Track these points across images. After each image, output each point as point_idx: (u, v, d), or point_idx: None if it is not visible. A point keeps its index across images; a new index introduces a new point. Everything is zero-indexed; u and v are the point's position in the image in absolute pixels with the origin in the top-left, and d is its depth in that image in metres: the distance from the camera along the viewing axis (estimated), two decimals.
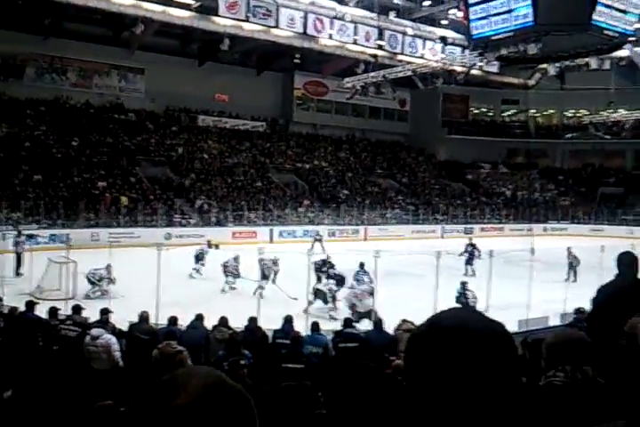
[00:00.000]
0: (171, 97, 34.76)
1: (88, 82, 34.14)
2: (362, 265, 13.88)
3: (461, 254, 18.80)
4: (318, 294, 12.98)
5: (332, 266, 14.57)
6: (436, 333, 0.95)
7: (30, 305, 8.93)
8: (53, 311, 8.80)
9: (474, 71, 30.14)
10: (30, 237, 15.37)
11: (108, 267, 13.41)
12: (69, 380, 6.51)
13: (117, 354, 7.59)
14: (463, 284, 12.87)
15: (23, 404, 6.21)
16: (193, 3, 29.06)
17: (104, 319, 8.15)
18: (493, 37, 22.74)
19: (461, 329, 0.94)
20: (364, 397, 1.58)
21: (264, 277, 14.43)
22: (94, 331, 7.77)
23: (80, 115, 32.26)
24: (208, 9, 29.24)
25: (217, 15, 29.43)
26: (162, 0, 28.24)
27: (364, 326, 10.18)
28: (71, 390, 6.24)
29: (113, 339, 7.68)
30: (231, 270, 15.34)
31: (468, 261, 18.52)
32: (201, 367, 0.90)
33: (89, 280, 13.44)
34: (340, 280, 13.84)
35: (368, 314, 11.20)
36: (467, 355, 0.91)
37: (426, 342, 0.96)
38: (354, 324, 9.27)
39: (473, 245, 19.06)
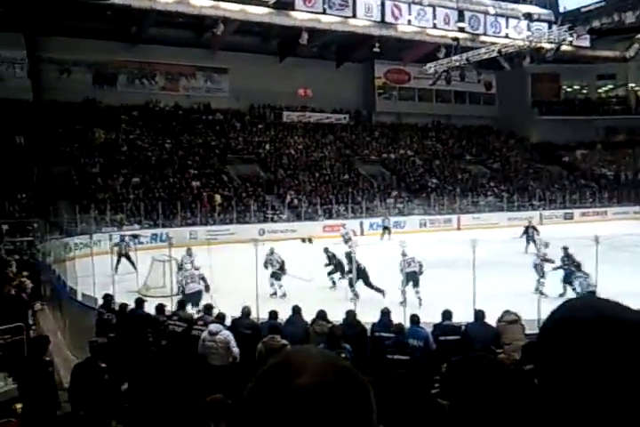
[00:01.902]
0: (254, 94, 35.43)
1: (175, 85, 35.48)
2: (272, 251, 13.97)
3: (521, 236, 19.98)
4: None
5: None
6: (572, 326, 0.86)
7: (140, 303, 9.38)
8: (160, 308, 9.20)
9: (563, 47, 28.55)
10: (135, 237, 16.20)
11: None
12: (183, 374, 6.79)
13: (236, 350, 7.74)
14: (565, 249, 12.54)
15: (139, 396, 6.54)
16: None
17: (220, 315, 8.36)
18: (583, 9, 21.51)
19: (602, 320, 0.84)
20: (496, 393, 1.48)
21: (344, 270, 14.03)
22: (213, 327, 7.93)
23: (170, 117, 33.63)
24: (285, 4, 29.54)
25: (294, 10, 29.68)
26: None
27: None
28: (182, 383, 6.51)
29: (231, 335, 7.85)
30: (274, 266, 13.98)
31: (528, 241, 19.51)
32: (309, 347, 0.88)
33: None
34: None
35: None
36: (613, 349, 0.81)
37: (561, 337, 0.87)
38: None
39: (534, 228, 20.20)
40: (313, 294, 12.84)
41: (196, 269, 13.78)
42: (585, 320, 0.86)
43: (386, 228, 25.47)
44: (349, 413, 0.76)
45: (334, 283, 14.55)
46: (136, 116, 32.68)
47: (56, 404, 6.76)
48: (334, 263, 14.55)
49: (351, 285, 12.65)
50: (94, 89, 32.97)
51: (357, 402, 0.78)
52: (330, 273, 14.71)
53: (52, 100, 29.72)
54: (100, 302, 10.12)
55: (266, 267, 13.56)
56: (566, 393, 0.85)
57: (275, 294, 13.60)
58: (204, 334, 7.96)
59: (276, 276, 13.84)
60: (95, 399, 6.29)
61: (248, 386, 0.81)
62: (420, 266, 12.86)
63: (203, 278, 12.88)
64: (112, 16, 29.97)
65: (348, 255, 13.16)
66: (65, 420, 6.24)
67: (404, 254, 12.47)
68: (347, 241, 19.33)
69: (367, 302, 11.39)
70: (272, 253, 13.98)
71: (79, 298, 11.65)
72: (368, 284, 13.16)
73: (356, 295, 11.88)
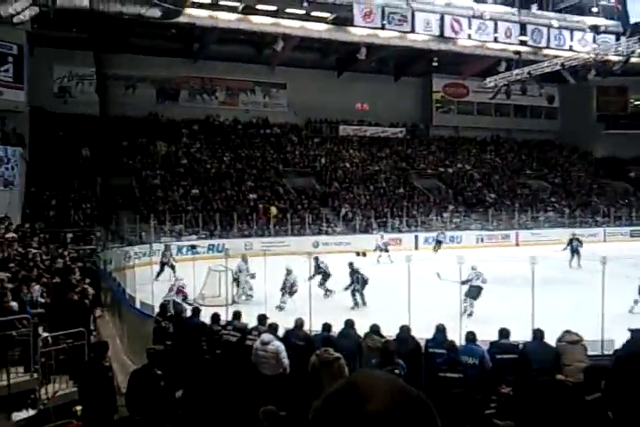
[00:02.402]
0: (312, 109, 35.81)
1: (235, 100, 36.25)
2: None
3: (565, 249, 20.16)
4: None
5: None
6: None
7: (196, 312, 9.54)
8: (216, 317, 9.31)
9: (633, 59, 27.59)
10: (193, 247, 16.58)
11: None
12: (234, 382, 6.85)
13: (286, 361, 7.78)
14: None
15: (193, 403, 6.63)
16: (329, 15, 29.75)
17: (274, 326, 8.41)
18: None
19: None
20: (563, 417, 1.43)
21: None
22: (265, 336, 8.01)
23: (229, 131, 34.37)
24: (344, 20, 29.78)
25: (352, 25, 29.87)
26: (299, 16, 29.29)
27: None
28: (236, 392, 6.56)
29: (282, 346, 7.90)
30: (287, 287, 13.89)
31: (573, 254, 19.85)
32: (381, 372, 0.87)
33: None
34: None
35: None
36: None
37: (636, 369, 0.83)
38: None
39: (578, 240, 20.32)
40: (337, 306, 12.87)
41: (252, 277, 14.03)
42: None
43: (439, 242, 25.42)
44: None
45: (328, 291, 15.14)
46: (196, 130, 33.55)
47: (114, 408, 6.92)
48: (321, 272, 14.95)
49: (353, 294, 14.02)
50: (157, 104, 34.12)
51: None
52: (321, 284, 15.11)
53: (116, 115, 30.95)
54: (157, 310, 10.34)
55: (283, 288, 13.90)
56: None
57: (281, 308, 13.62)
58: (257, 344, 8.03)
59: (287, 294, 13.86)
60: (150, 405, 6.40)
61: (315, 406, 0.81)
62: (484, 282, 12.76)
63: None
64: (176, 34, 31.03)
65: (351, 265, 14.38)
66: (122, 423, 6.39)
67: (473, 268, 12.51)
68: (381, 250, 19.94)
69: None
70: (289, 273, 14.01)
71: (137, 306, 11.95)
72: (361, 293, 14.22)
73: (357, 304, 12.48)
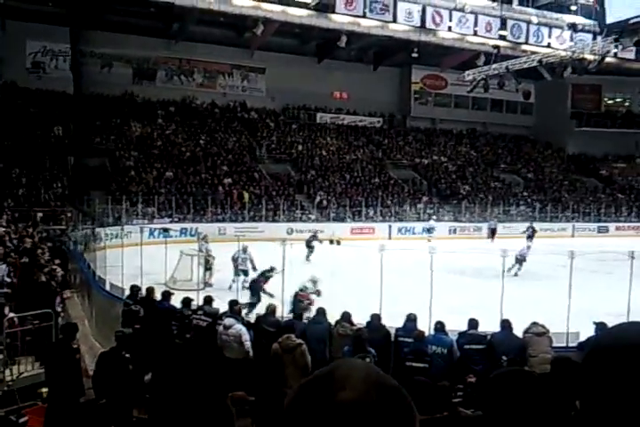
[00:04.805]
0: (290, 95, 35.62)
1: (212, 82, 35.84)
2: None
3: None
4: None
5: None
6: (627, 351, 0.83)
7: (166, 295, 9.47)
8: (187, 302, 9.27)
9: (607, 59, 27.96)
10: (165, 230, 16.37)
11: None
12: (203, 366, 6.84)
13: (248, 344, 7.85)
14: None
15: (161, 387, 6.61)
16: (311, 1, 29.49)
17: (235, 310, 8.44)
18: (631, 21, 21.11)
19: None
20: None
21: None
22: (227, 321, 8.08)
23: (206, 114, 33.98)
24: (325, 6, 29.60)
25: (334, 12, 29.70)
26: (281, 0, 28.97)
27: None
28: (205, 376, 6.56)
29: (244, 329, 7.96)
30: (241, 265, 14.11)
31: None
32: (360, 361, 0.86)
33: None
34: None
35: None
36: None
37: (612, 360, 0.84)
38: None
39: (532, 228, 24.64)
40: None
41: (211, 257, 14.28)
42: (631, 346, 0.84)
43: (493, 230, 27.80)
44: None
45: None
46: (172, 112, 33.10)
47: (80, 390, 6.87)
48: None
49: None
50: (133, 84, 33.54)
51: (398, 422, 0.77)
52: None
53: (91, 93, 30.32)
54: (128, 292, 10.25)
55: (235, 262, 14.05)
56: (606, 416, 0.83)
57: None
58: (220, 328, 8.18)
59: (245, 272, 14.06)
60: (118, 388, 6.37)
61: (290, 394, 0.81)
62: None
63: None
64: (155, 13, 30.44)
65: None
66: (88, 406, 6.34)
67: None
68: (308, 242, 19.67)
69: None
70: (245, 251, 14.25)
71: (107, 288, 11.82)
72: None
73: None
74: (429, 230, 26.63)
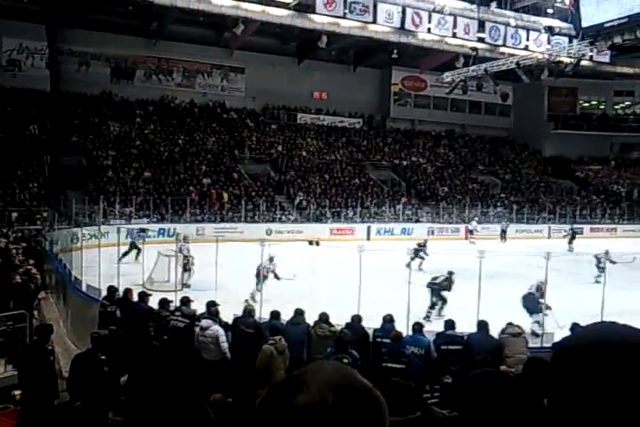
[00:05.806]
0: (270, 95, 35.54)
1: (192, 82, 35.61)
2: None
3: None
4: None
5: None
6: (595, 350, 0.85)
7: (143, 296, 9.39)
8: (164, 303, 9.20)
9: (583, 62, 28.39)
10: (143, 231, 16.22)
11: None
12: (181, 368, 6.79)
13: (225, 345, 7.82)
14: None
15: (138, 389, 6.54)
16: (291, 1, 29.42)
17: (212, 311, 8.40)
18: (606, 25, 21.43)
19: (625, 346, 0.84)
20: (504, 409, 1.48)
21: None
22: (204, 322, 8.05)
23: (185, 114, 33.74)
24: (306, 7, 29.54)
25: (314, 13, 29.67)
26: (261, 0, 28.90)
27: None
28: (182, 378, 6.52)
29: (221, 331, 7.92)
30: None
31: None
32: (332, 363, 0.85)
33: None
34: None
35: None
36: (615, 375, 0.81)
37: (576, 359, 0.86)
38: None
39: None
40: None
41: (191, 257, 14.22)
42: (594, 345, 0.86)
43: (503, 231, 27.93)
44: None
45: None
46: (151, 112, 32.82)
47: (55, 393, 6.78)
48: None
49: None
50: (111, 83, 33.18)
51: (362, 422, 0.75)
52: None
53: (68, 92, 29.89)
54: (104, 293, 10.14)
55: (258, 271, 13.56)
56: (575, 416, 0.85)
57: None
58: (197, 330, 8.15)
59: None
60: (93, 390, 6.29)
61: (260, 396, 0.81)
62: None
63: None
64: (133, 11, 30.13)
65: None
66: (62, 409, 6.25)
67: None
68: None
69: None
70: (271, 260, 13.69)
71: (83, 289, 11.68)
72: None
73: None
74: (471, 232, 27.42)
